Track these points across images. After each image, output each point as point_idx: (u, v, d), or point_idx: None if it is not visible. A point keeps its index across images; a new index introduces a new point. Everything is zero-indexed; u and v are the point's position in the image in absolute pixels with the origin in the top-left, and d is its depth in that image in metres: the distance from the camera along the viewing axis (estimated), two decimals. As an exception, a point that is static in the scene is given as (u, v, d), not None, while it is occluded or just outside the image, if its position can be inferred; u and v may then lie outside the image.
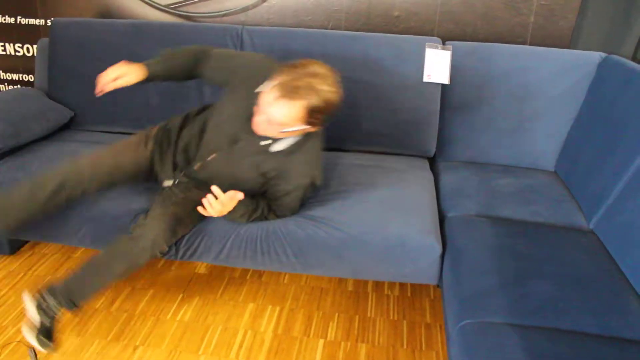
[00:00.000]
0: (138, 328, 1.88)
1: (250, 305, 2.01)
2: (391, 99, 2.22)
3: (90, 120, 2.39)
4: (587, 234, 1.73)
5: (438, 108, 2.21)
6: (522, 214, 1.82)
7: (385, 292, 2.11)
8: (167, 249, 1.67)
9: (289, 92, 1.47)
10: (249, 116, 1.64)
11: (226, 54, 1.87)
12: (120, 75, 1.64)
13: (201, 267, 2.21)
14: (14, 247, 2.23)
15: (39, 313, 1.58)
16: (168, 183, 1.81)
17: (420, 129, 2.21)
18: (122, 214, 1.80)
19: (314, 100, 1.49)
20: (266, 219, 1.76)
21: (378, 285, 2.15)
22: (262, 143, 1.66)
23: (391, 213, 1.77)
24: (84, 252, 2.27)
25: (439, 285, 2.07)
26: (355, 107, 2.20)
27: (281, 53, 2.22)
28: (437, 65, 2.19)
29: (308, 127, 1.56)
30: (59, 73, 2.37)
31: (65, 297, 1.61)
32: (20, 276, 2.11)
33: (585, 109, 2.08)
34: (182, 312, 1.96)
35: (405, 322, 1.96)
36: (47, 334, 1.60)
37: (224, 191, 1.56)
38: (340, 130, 2.20)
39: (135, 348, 1.79)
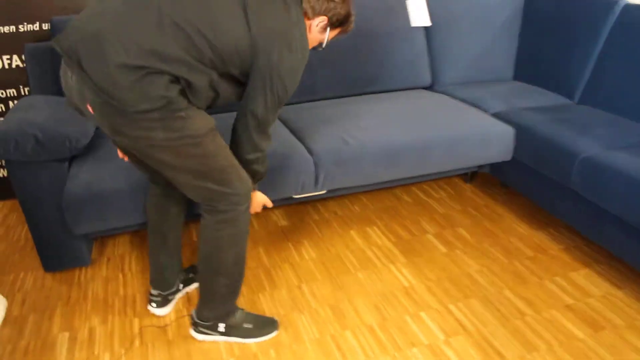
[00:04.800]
0: (282, 275, 2.02)
1: (352, 232, 2.29)
2: (387, 45, 2.66)
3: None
4: (578, 105, 2.44)
5: (426, 45, 2.72)
6: (533, 103, 2.46)
7: (435, 195, 2.59)
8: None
9: None
10: None
11: None
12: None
13: (280, 220, 2.39)
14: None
15: (217, 333, 1.69)
16: None
17: (417, 65, 2.70)
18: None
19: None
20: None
21: (425, 192, 2.62)
22: None
23: (460, 115, 2.27)
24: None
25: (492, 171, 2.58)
26: (357, 57, 2.58)
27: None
28: (418, 11, 2.69)
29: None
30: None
31: (220, 319, 1.68)
32: (121, 277, 2.03)
33: (525, 26, 2.80)
34: (304, 253, 2.15)
35: (469, 208, 2.47)
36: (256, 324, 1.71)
37: None
38: (345, 78, 2.58)
39: (298, 287, 1.95)
